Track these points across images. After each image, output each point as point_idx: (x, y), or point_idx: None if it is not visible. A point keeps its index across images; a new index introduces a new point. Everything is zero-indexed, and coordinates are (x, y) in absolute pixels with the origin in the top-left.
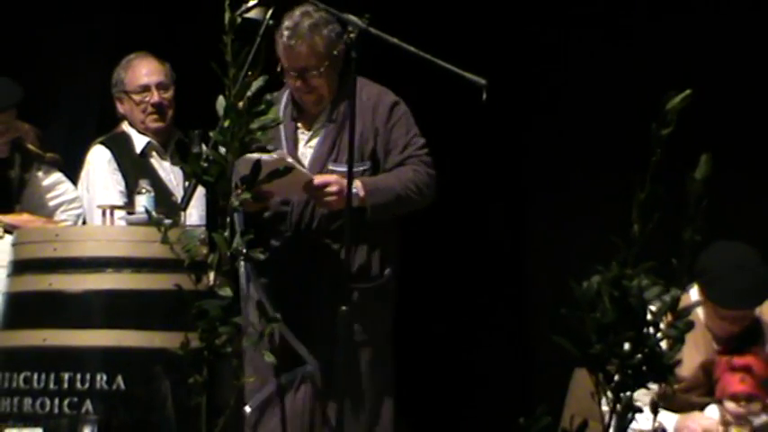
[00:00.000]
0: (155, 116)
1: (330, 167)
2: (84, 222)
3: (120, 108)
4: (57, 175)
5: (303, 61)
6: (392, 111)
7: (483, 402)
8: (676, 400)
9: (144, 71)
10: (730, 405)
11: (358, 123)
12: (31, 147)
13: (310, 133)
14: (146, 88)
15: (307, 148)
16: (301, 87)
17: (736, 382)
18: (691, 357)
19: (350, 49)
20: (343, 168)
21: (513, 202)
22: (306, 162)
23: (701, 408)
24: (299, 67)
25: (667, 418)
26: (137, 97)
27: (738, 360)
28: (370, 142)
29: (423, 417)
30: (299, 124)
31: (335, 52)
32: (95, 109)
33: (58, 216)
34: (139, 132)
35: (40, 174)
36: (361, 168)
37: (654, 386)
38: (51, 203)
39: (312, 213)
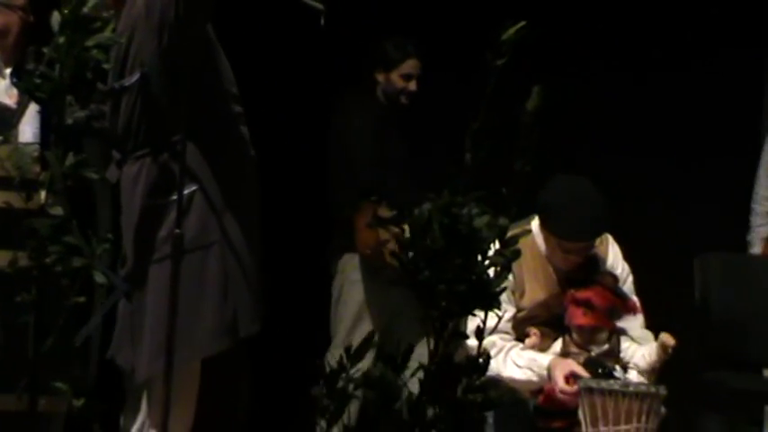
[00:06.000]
0: None
1: None
2: None
3: None
4: None
5: None
6: None
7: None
8: (516, 329)
9: None
10: (575, 336)
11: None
12: None
13: None
14: None
15: None
16: None
17: (579, 316)
18: (532, 290)
19: None
20: None
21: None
22: None
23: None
24: None
25: (539, 357)
26: None
27: (580, 294)
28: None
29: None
30: None
31: None
32: None
33: None
34: None
35: None
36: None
37: (480, 314)
38: None
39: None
